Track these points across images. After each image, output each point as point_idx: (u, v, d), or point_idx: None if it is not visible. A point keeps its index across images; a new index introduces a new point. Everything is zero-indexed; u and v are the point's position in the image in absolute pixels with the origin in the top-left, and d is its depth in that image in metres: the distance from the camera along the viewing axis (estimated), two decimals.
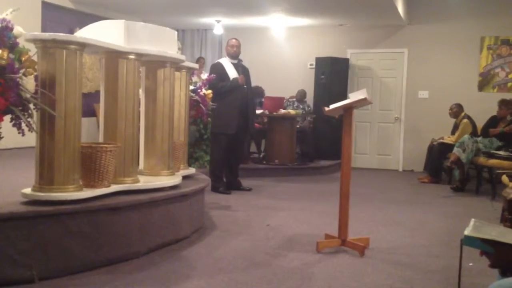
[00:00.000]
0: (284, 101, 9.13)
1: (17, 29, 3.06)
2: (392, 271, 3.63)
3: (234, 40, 6.62)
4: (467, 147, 7.19)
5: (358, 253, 3.96)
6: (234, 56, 6.57)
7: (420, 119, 9.56)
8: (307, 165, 8.83)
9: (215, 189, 6.42)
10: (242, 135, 6.67)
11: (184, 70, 4.93)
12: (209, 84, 6.12)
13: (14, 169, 4.96)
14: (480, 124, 7.95)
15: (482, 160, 7.14)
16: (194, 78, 5.80)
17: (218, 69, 6.44)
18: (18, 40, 3.07)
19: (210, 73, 6.39)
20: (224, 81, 6.37)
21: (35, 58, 3.18)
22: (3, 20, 3.01)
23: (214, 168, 6.45)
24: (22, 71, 3.02)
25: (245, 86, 6.51)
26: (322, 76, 9.67)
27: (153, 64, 4.20)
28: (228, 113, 6.33)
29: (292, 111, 8.69)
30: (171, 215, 4.02)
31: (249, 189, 6.72)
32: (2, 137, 3.14)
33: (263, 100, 8.83)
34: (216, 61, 6.71)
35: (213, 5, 8.50)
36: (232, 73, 6.45)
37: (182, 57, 4.45)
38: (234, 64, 6.54)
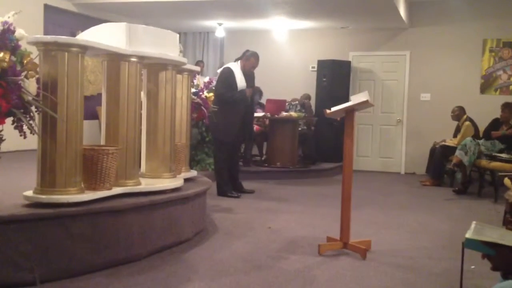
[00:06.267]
0: (286, 103, 9.13)
1: (19, 32, 3.07)
2: (394, 274, 3.62)
3: (255, 61, 6.40)
4: (469, 149, 7.17)
5: (360, 256, 3.95)
6: (248, 72, 6.43)
7: (422, 122, 9.55)
8: (309, 167, 8.82)
9: (222, 193, 6.41)
10: (239, 142, 6.67)
11: (185, 73, 4.94)
12: (216, 89, 6.10)
13: (15, 172, 4.96)
14: (482, 127, 7.94)
15: (484, 162, 7.13)
16: (196, 81, 5.81)
17: (229, 77, 6.29)
18: (20, 42, 3.08)
19: (219, 79, 6.36)
20: (233, 90, 6.25)
21: (37, 60, 3.19)
22: (5, 22, 3.02)
23: (220, 171, 6.44)
24: (24, 73, 3.03)
25: (249, 99, 6.46)
26: (324, 79, 9.68)
27: (154, 67, 4.21)
28: (229, 122, 6.27)
29: (294, 114, 8.68)
30: (173, 217, 4.02)
31: (251, 192, 6.71)
32: (4, 140, 3.15)
33: (259, 99, 8.80)
34: (227, 66, 6.55)
35: (215, 8, 8.51)
36: (240, 82, 6.31)
37: (184, 60, 4.45)
38: (243, 72, 6.40)
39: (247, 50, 6.50)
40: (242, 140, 6.87)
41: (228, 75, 6.32)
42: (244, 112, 6.41)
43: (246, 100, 6.38)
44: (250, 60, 6.40)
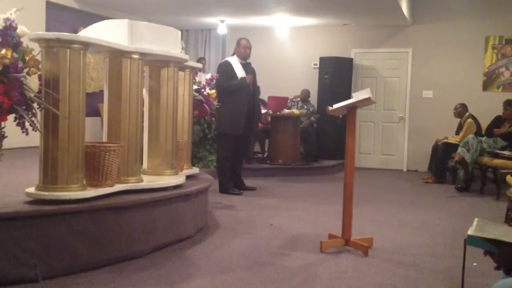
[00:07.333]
0: (288, 101, 9.12)
1: (21, 29, 3.07)
2: (395, 271, 3.62)
3: (246, 42, 6.41)
4: (471, 147, 7.16)
5: (361, 253, 3.95)
6: (245, 57, 6.40)
7: (425, 119, 9.53)
8: (311, 165, 8.82)
9: (224, 190, 6.40)
10: (247, 136, 6.64)
11: (187, 70, 4.94)
12: (216, 82, 6.08)
13: (18, 169, 4.97)
14: (484, 124, 7.92)
15: (486, 160, 7.12)
16: (198, 78, 5.80)
17: (226, 68, 6.31)
18: (22, 39, 3.08)
19: (218, 72, 6.35)
20: (231, 79, 6.24)
21: (39, 57, 3.19)
22: (7, 19, 3.01)
23: (222, 168, 6.39)
24: (26, 70, 3.02)
25: (251, 87, 6.41)
26: (326, 76, 9.67)
27: (156, 64, 4.21)
28: (236, 114, 6.23)
29: (296, 111, 8.68)
30: (175, 214, 4.02)
31: (253, 189, 6.71)
32: (6, 137, 3.15)
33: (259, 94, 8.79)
34: (224, 59, 6.57)
35: (217, 5, 8.50)
36: (240, 73, 6.30)
37: (186, 57, 4.45)
38: (243, 65, 6.38)
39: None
40: (249, 135, 6.80)
41: (225, 67, 6.35)
42: (251, 105, 6.37)
43: (247, 87, 6.32)
44: (241, 43, 6.42)
